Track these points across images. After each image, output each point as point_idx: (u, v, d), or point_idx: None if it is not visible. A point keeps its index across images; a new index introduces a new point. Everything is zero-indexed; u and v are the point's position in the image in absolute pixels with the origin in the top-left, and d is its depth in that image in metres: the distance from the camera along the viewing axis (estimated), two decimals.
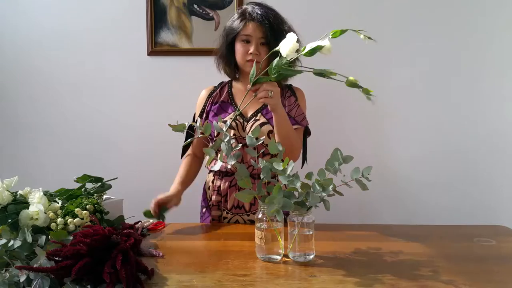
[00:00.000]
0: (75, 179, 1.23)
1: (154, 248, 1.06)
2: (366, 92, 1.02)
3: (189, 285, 0.85)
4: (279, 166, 0.95)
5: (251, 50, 1.29)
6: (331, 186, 0.94)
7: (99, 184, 1.22)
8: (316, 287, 0.85)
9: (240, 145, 1.12)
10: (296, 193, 0.97)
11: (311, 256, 0.99)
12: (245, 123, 1.36)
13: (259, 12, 1.29)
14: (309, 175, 1.01)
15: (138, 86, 1.96)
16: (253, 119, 1.36)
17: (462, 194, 1.94)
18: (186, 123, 1.06)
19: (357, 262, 0.98)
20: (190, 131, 1.14)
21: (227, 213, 1.39)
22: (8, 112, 1.99)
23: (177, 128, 1.05)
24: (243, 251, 1.05)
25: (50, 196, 1.14)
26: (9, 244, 0.90)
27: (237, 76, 1.45)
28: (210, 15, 1.90)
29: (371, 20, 1.86)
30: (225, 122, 1.32)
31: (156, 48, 1.92)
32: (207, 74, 1.91)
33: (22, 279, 0.80)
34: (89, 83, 1.96)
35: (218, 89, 1.46)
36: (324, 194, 0.94)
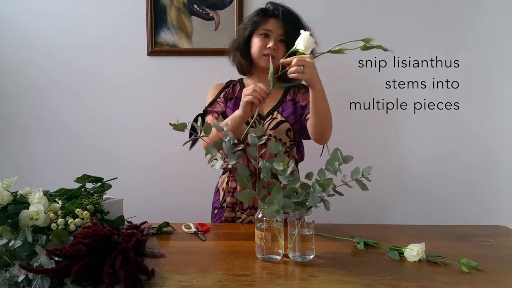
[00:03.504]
0: (75, 179, 1.22)
1: (158, 249, 1.05)
2: (379, 47, 1.05)
3: (189, 285, 0.85)
4: (279, 166, 0.95)
5: (270, 44, 1.30)
6: (331, 186, 0.94)
7: (99, 184, 1.22)
8: (316, 287, 0.85)
9: (242, 145, 1.11)
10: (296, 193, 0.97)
11: (311, 256, 0.99)
12: (262, 121, 1.37)
13: (280, 10, 1.31)
14: (309, 175, 1.01)
15: (138, 86, 1.96)
16: (269, 117, 1.37)
17: (462, 194, 1.94)
18: (187, 123, 1.06)
19: (357, 262, 0.98)
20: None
21: (241, 213, 1.39)
22: (7, 111, 1.99)
23: (177, 127, 1.05)
24: (243, 251, 1.05)
25: (50, 196, 1.14)
26: (10, 244, 0.90)
27: (250, 71, 1.44)
28: (210, 15, 1.90)
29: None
30: (247, 123, 1.32)
31: (156, 48, 1.92)
32: (207, 74, 1.91)
33: (21, 278, 0.80)
34: (89, 83, 1.96)
35: (230, 86, 1.46)
36: (324, 194, 0.94)
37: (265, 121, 1.37)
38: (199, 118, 1.08)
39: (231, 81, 1.49)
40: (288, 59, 1.11)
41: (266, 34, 1.32)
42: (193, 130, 1.06)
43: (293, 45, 1.15)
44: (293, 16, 1.33)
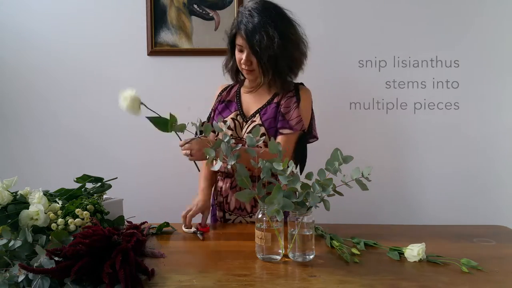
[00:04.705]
0: (75, 179, 1.22)
1: (158, 249, 1.05)
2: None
3: (189, 285, 0.85)
4: (279, 166, 0.95)
5: (242, 60, 1.29)
6: (331, 186, 0.93)
7: (99, 184, 1.22)
8: (316, 287, 0.85)
9: (240, 145, 1.11)
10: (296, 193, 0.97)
11: (311, 256, 0.99)
12: (244, 124, 1.36)
13: (245, 23, 1.25)
14: (309, 175, 1.01)
15: (138, 86, 1.93)
16: (250, 120, 1.35)
17: (463, 194, 1.94)
18: (186, 123, 1.06)
19: (357, 262, 0.98)
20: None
21: (230, 214, 1.39)
22: (7, 111, 1.99)
23: (176, 128, 1.05)
24: (243, 251, 1.05)
25: (50, 196, 1.14)
26: (10, 244, 0.90)
27: (240, 80, 1.45)
28: (210, 15, 1.90)
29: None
30: (225, 122, 1.33)
31: (156, 48, 1.92)
32: (207, 74, 1.91)
33: (21, 278, 0.80)
34: (89, 83, 1.96)
35: (229, 88, 1.46)
36: (324, 194, 0.94)
37: (247, 123, 1.35)
38: (199, 119, 1.08)
39: (237, 81, 1.47)
40: (184, 141, 1.19)
41: (240, 49, 1.30)
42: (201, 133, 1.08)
43: (256, 53, 1.22)
44: (257, 26, 1.23)
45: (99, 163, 1.95)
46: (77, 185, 1.21)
